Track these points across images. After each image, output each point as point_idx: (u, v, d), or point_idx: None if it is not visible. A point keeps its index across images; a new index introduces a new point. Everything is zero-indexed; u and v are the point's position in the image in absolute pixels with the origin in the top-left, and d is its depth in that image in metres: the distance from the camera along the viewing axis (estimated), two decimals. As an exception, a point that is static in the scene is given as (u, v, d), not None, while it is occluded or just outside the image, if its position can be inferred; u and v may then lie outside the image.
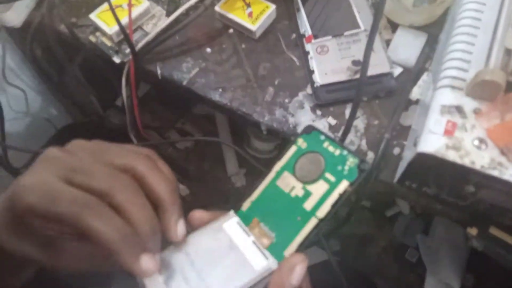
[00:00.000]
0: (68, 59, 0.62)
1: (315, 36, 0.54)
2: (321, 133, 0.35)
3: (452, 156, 0.37)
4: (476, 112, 0.39)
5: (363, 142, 0.50)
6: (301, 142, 0.35)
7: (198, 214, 0.34)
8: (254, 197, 0.34)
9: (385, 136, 0.49)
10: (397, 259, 0.82)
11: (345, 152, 0.33)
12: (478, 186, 0.40)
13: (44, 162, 0.28)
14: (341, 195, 0.31)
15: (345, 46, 0.53)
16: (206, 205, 0.68)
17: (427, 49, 0.53)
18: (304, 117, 0.52)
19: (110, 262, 0.32)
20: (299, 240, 0.31)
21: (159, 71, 0.56)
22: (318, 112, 0.52)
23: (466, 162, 0.37)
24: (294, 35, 0.57)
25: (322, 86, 0.52)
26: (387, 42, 0.54)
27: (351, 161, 0.32)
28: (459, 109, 0.40)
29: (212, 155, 0.92)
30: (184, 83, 0.55)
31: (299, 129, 0.51)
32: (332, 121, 0.51)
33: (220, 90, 0.54)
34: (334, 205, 0.31)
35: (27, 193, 0.26)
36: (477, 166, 0.37)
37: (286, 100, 0.53)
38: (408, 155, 0.45)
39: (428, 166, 0.40)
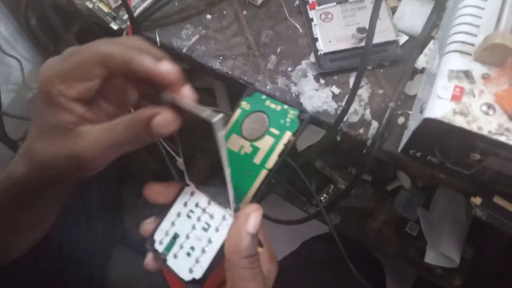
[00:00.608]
0: (64, 28, 0.60)
1: (319, 3, 0.52)
2: (262, 92, 0.37)
3: (459, 121, 0.37)
4: (485, 77, 0.38)
5: (367, 112, 0.49)
6: (244, 105, 0.37)
7: (152, 187, 0.36)
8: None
9: (390, 105, 0.48)
10: (398, 233, 0.82)
11: (285, 107, 0.35)
12: (484, 153, 0.39)
13: None
14: (285, 145, 0.33)
15: (350, 13, 0.52)
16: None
17: (433, 17, 0.51)
18: (307, 86, 0.51)
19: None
20: (253, 191, 0.33)
21: (158, 38, 0.54)
22: (322, 81, 0.51)
23: (473, 127, 0.36)
24: (297, 2, 0.56)
25: (326, 54, 0.51)
26: (393, 10, 0.53)
27: (292, 114, 0.34)
28: (467, 74, 0.39)
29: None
30: (184, 50, 0.53)
31: (302, 98, 0.50)
32: (336, 90, 0.50)
33: (221, 58, 0.53)
34: (280, 155, 0.33)
35: None
36: (484, 132, 0.36)
37: (289, 69, 0.52)
38: (413, 124, 0.44)
39: (434, 132, 0.39)
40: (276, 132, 0.34)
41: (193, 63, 0.53)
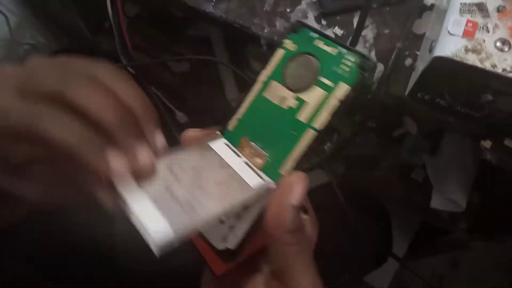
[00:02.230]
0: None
1: None
2: (313, 30, 0.29)
3: (471, 59, 0.34)
4: (500, 10, 0.35)
5: (372, 54, 0.47)
6: (288, 44, 0.29)
7: (191, 133, 0.31)
8: (241, 114, 0.30)
9: (397, 45, 0.45)
10: (403, 179, 0.81)
11: (343, 50, 0.27)
12: (497, 93, 0.37)
13: None
14: (341, 102, 0.26)
15: None
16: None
17: None
18: (307, 28, 0.47)
19: (83, 189, 0.26)
20: (296, 155, 0.27)
21: (146, -18, 0.50)
22: (323, 22, 0.48)
23: (486, 65, 0.34)
24: None
25: (328, -8, 0.47)
26: None
27: (351, 60, 0.27)
28: (480, 7, 0.36)
29: (210, 80, 0.88)
30: (174, -6, 0.50)
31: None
32: (339, 32, 0.47)
33: (214, 0, 0.49)
34: (333, 114, 0.26)
35: None
36: (499, 70, 0.34)
37: (288, 10, 0.49)
38: (421, 65, 0.42)
39: (444, 73, 0.37)
40: (329, 83, 0.27)
41: (184, 8, 0.50)
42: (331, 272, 0.65)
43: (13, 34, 0.72)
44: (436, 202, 0.74)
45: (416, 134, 0.80)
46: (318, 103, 0.27)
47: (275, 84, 0.29)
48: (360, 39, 0.47)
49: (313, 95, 0.27)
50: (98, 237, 0.66)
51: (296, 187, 0.25)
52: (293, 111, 0.28)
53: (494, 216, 0.74)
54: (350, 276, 0.66)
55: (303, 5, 0.48)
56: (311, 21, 0.48)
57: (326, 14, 0.48)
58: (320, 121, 0.26)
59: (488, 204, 0.76)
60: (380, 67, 0.46)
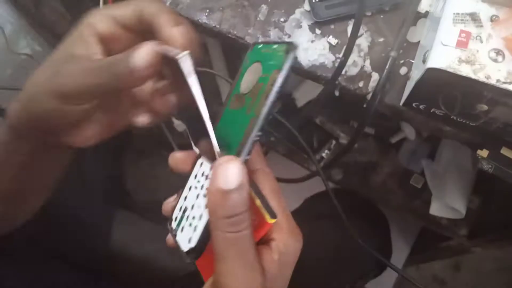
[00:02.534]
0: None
1: None
2: (259, 42, 0.33)
3: (465, 70, 0.34)
4: (493, 19, 0.35)
5: (367, 63, 0.46)
6: (245, 62, 0.33)
7: (174, 156, 0.34)
8: (216, 132, 0.30)
9: (391, 54, 0.45)
10: (402, 186, 0.80)
11: (274, 46, 0.30)
12: (492, 103, 0.36)
13: None
14: (273, 85, 0.27)
15: (346, -47, 0.47)
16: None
17: (438, -47, 0.47)
18: (302, 37, 0.47)
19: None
20: (236, 143, 0.28)
21: (139, -7, 0.50)
22: (317, 31, 0.47)
23: (480, 76, 0.33)
24: None
25: (321, 0, 0.47)
26: None
27: (280, 50, 0.29)
28: (473, 17, 0.35)
29: (207, 88, 0.88)
30: (168, 3, 0.49)
31: (297, 51, 0.47)
32: (333, 41, 0.47)
33: (207, 10, 0.49)
34: (266, 97, 0.27)
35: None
36: (493, 81, 0.33)
37: (282, 19, 0.48)
38: (416, 74, 0.41)
39: (438, 83, 0.36)
40: (265, 75, 0.29)
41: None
42: (331, 281, 0.64)
43: (9, 44, 0.72)
44: (436, 209, 0.73)
45: (414, 139, 0.80)
46: (257, 94, 0.29)
47: (235, 96, 0.32)
48: (355, 48, 0.46)
49: (254, 90, 0.30)
50: (94, 241, 0.66)
51: (222, 170, 0.25)
52: (244, 110, 0.30)
53: (494, 221, 0.73)
54: (350, 285, 0.66)
55: (296, 14, 0.48)
56: (305, 30, 0.47)
57: (319, 23, 0.47)
58: (259, 108, 0.28)
59: (487, 209, 0.75)
60: (375, 76, 0.46)
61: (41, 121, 0.32)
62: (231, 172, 0.25)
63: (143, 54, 0.28)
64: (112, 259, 0.67)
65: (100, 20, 0.32)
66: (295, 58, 0.28)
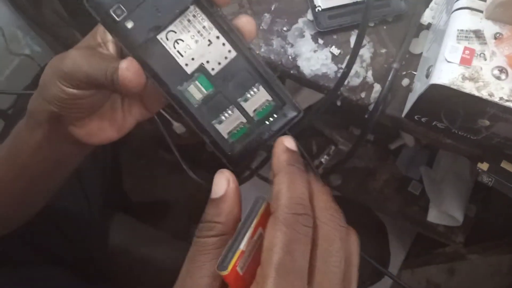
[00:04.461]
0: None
1: (316, -47, 0.48)
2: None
3: (468, 87, 0.34)
4: (497, 37, 0.35)
5: (369, 74, 0.46)
6: None
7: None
8: None
9: (393, 66, 0.45)
10: (400, 192, 0.81)
11: None
12: (494, 119, 0.37)
13: None
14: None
15: (350, -37, 0.47)
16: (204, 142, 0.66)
17: (442, -35, 0.47)
18: (304, 47, 0.47)
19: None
20: None
21: None
22: (320, 41, 0.47)
23: (483, 94, 0.34)
24: (292, -48, 0.51)
25: (324, 10, 0.47)
26: (397, -42, 0.48)
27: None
28: (477, 34, 0.35)
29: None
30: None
31: (299, 61, 0.47)
32: (336, 51, 0.47)
33: (211, 18, 0.49)
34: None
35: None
36: (496, 99, 0.34)
37: (285, 28, 0.48)
38: (418, 87, 0.41)
39: (441, 99, 0.36)
40: None
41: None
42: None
43: (8, 45, 0.71)
44: (433, 216, 0.74)
45: (413, 146, 0.80)
46: None
47: None
48: (357, 59, 0.46)
49: None
50: (91, 244, 0.66)
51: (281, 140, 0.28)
52: None
53: (490, 229, 0.74)
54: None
55: (299, 24, 0.48)
56: (307, 39, 0.47)
57: (322, 32, 0.47)
58: None
59: (484, 217, 0.76)
60: (377, 87, 0.46)
61: (51, 105, 0.32)
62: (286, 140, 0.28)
63: (125, 72, 0.29)
64: (110, 261, 0.67)
65: None
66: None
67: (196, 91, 0.30)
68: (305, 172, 0.27)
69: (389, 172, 0.81)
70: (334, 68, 0.47)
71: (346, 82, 0.46)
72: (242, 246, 0.25)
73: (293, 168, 0.27)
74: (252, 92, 0.31)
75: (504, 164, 0.43)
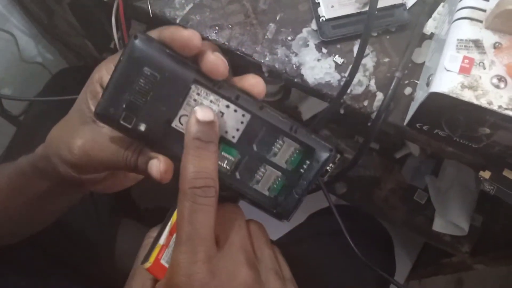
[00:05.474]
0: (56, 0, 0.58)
1: (320, -35, 0.49)
2: None
3: (468, 96, 0.34)
4: (496, 47, 0.36)
5: (372, 82, 0.47)
6: None
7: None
8: None
9: (396, 75, 0.46)
10: (406, 201, 0.81)
11: None
12: (494, 127, 0.37)
13: None
14: None
15: (354, -25, 0.48)
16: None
17: (444, -24, 0.48)
18: (308, 56, 0.48)
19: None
20: None
21: (150, 8, 0.51)
22: (324, 50, 0.48)
23: (482, 102, 0.34)
24: (297, -36, 0.52)
25: (328, 20, 0.48)
26: (400, -31, 0.49)
27: None
28: (477, 44, 0.36)
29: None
30: (178, 21, 0.50)
31: (303, 70, 0.48)
32: (339, 60, 0.48)
33: (217, 28, 0.50)
34: None
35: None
36: (495, 107, 0.34)
37: (289, 38, 0.49)
38: (420, 95, 0.42)
39: (442, 107, 0.37)
40: None
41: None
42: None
43: (21, 53, 0.73)
44: (439, 225, 0.73)
45: (419, 155, 0.80)
46: None
47: None
48: (360, 68, 0.47)
49: None
50: (98, 251, 0.67)
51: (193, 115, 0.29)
52: None
53: (497, 239, 0.73)
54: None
55: (304, 33, 0.49)
56: (311, 49, 0.48)
57: (326, 42, 0.48)
58: None
59: (491, 226, 0.75)
60: (380, 96, 0.46)
61: (63, 174, 0.34)
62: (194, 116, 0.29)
63: (155, 169, 0.30)
64: (118, 267, 0.68)
65: (108, 74, 0.31)
66: None
67: (224, 162, 0.31)
68: (214, 144, 0.29)
69: (395, 181, 0.81)
70: (338, 76, 0.48)
71: (349, 91, 0.47)
72: (162, 241, 0.31)
73: (198, 142, 0.28)
74: (278, 146, 0.31)
75: (506, 173, 0.43)
